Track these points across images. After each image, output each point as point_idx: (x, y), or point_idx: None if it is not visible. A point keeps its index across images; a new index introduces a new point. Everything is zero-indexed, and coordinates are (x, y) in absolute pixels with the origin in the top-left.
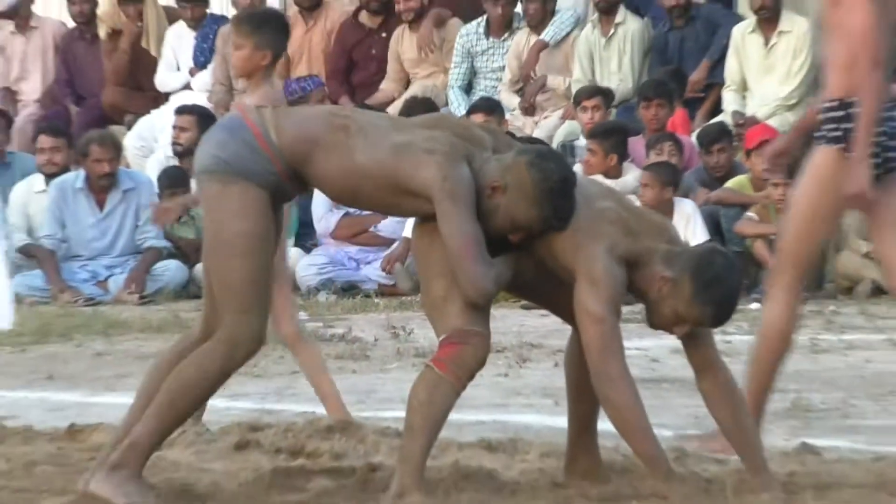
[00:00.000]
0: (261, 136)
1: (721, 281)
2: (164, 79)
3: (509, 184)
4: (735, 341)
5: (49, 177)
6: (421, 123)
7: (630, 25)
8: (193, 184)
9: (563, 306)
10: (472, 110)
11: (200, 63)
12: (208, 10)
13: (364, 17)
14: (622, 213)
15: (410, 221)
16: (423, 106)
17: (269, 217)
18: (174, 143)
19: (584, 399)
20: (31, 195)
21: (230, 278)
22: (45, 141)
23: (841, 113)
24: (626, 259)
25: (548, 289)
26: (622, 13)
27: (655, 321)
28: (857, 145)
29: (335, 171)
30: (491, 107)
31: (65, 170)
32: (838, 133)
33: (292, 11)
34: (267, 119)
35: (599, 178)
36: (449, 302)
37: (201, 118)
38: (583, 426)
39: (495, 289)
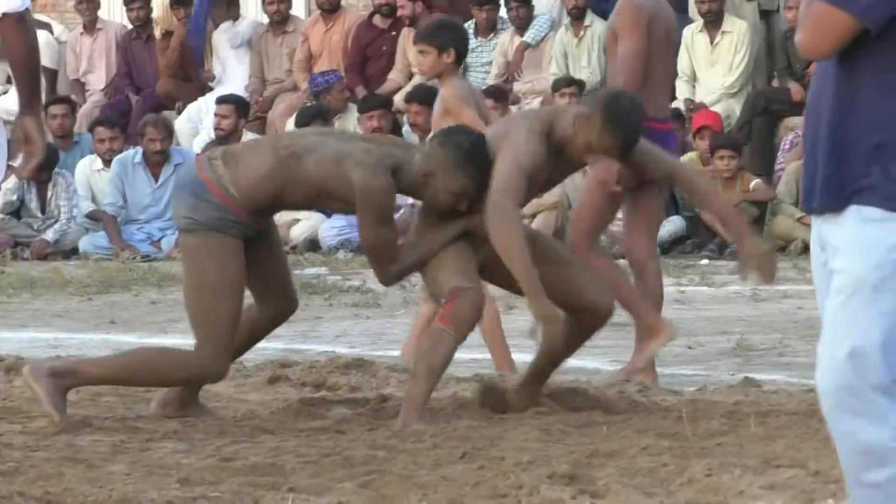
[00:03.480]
0: (224, 196)
1: (626, 114)
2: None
3: (434, 167)
4: (688, 291)
5: (105, 160)
6: (364, 138)
7: (597, 28)
8: None
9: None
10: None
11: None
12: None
13: (377, 19)
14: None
15: None
16: (427, 91)
17: (243, 264)
18: (216, 129)
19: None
20: (92, 172)
21: (213, 318)
22: (102, 132)
23: None
24: (549, 135)
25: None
26: (590, 17)
27: (573, 154)
28: None
29: (301, 200)
30: (497, 93)
31: (120, 153)
32: None
33: (314, 15)
34: (222, 175)
35: None
36: (440, 270)
37: (238, 106)
38: (539, 374)
39: (395, 279)
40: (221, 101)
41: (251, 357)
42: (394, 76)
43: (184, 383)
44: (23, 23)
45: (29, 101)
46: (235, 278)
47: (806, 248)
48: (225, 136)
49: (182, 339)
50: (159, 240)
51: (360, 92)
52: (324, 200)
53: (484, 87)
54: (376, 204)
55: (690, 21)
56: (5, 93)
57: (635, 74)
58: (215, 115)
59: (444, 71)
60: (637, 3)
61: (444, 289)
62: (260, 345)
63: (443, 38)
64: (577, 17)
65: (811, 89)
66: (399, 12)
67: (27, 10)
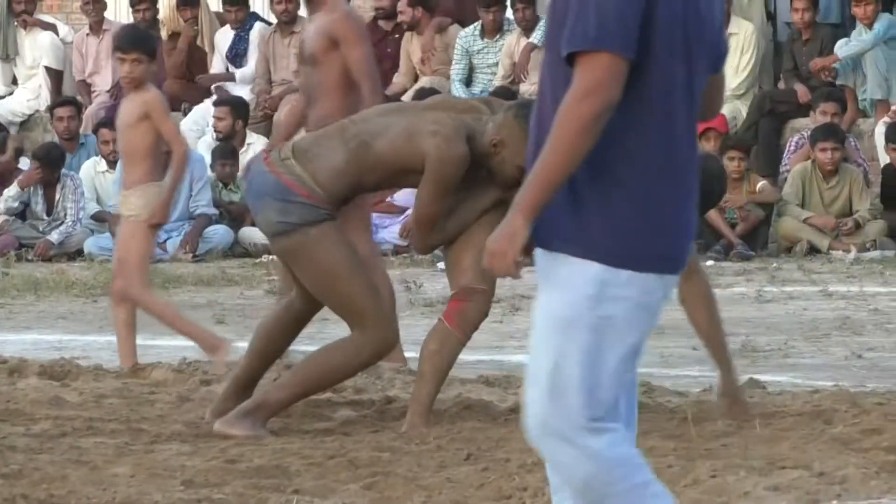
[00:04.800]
0: (310, 195)
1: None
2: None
3: (505, 137)
4: None
5: (110, 162)
6: (426, 106)
7: None
8: (241, 157)
9: None
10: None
11: (232, 58)
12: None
13: (381, 22)
14: None
15: None
16: (430, 94)
17: (346, 238)
18: (215, 131)
19: None
20: (97, 173)
21: (352, 298)
22: (106, 134)
23: None
24: None
25: None
26: None
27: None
28: None
29: (380, 182)
30: (503, 95)
31: None
32: None
33: None
34: (302, 175)
35: None
36: (465, 252)
37: (234, 108)
38: None
39: (433, 248)
40: (218, 103)
41: None
42: (398, 79)
43: (365, 367)
44: None
45: None
46: (348, 253)
47: (812, 250)
48: (223, 138)
49: (186, 342)
50: (164, 241)
51: None
52: (402, 178)
53: (490, 89)
54: (448, 174)
55: None
56: (10, 93)
57: (376, 78)
58: (213, 117)
59: (147, 78)
60: (351, 14)
61: (460, 277)
62: None
63: (152, 46)
64: None
65: (532, 125)
66: (399, 18)
67: None
